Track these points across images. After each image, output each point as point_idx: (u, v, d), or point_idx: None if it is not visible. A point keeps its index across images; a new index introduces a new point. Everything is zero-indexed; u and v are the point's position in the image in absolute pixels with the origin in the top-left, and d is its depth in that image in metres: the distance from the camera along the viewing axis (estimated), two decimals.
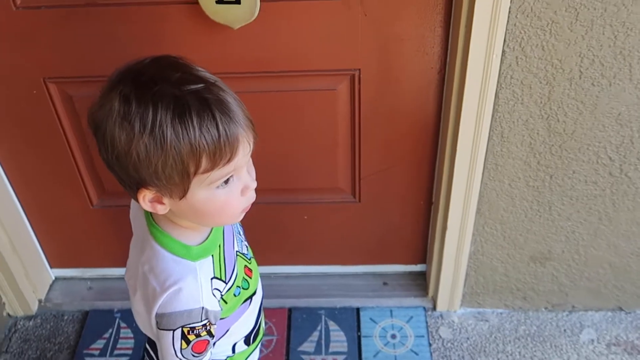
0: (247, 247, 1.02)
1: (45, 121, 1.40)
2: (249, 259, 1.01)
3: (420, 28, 1.24)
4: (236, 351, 1.04)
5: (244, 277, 0.95)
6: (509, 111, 1.26)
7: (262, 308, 1.10)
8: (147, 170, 0.74)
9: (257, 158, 1.47)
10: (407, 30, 1.24)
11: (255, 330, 1.07)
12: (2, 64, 1.31)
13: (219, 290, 0.88)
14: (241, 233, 1.03)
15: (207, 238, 0.88)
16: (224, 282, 0.89)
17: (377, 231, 1.63)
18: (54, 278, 1.79)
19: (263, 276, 1.72)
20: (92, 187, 1.55)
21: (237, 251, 0.96)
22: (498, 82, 1.21)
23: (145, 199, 0.79)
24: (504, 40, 1.15)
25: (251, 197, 0.84)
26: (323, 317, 1.65)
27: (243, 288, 0.95)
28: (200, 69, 0.78)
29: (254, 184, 0.84)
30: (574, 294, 1.60)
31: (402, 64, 1.29)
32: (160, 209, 0.80)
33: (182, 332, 0.83)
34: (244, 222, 1.60)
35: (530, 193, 1.40)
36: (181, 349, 0.84)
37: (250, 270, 0.99)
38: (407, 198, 1.55)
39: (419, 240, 1.66)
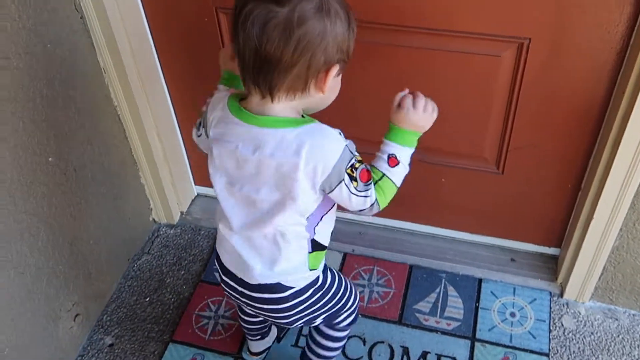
0: None
1: (210, 48, 1.47)
2: None
3: (607, 2, 1.13)
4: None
5: None
6: None
7: None
8: (346, 47, 0.92)
9: None
10: (591, 1, 1.14)
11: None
12: None
13: None
14: None
15: None
16: None
17: (515, 206, 1.58)
18: (196, 194, 1.92)
19: (389, 229, 1.76)
20: None
21: None
22: None
23: (333, 72, 0.91)
24: None
25: None
26: (443, 280, 1.64)
27: None
28: None
29: None
30: None
31: (579, 38, 1.20)
32: (326, 88, 0.93)
33: (349, 175, 0.96)
34: None
35: None
36: (356, 189, 0.97)
37: None
38: (554, 178, 1.48)
39: (556, 223, 1.58)
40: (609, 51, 1.20)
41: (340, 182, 0.95)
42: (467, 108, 1.40)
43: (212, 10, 1.40)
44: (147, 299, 1.66)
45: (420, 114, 1.03)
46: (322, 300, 1.15)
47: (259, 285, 1.09)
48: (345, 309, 1.24)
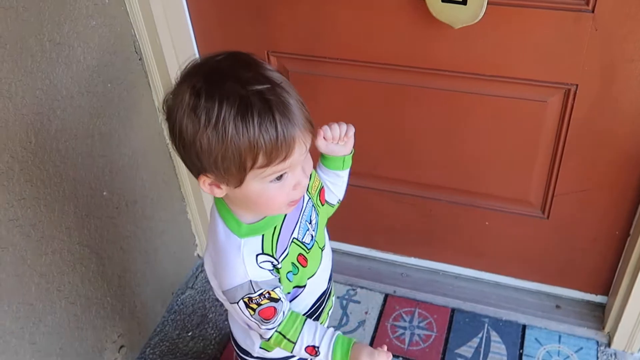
0: (312, 236, 1.02)
1: None
2: (309, 249, 1.01)
3: None
4: None
5: (293, 263, 0.97)
6: None
7: (327, 297, 1.12)
8: (207, 160, 0.80)
9: (452, 156, 1.48)
10: (637, 50, 1.15)
11: (313, 317, 1.09)
12: (237, 34, 1.44)
13: (270, 262, 0.93)
14: (312, 222, 1.02)
15: (261, 219, 0.92)
16: (275, 258, 0.93)
17: (561, 252, 1.56)
18: None
19: (431, 271, 1.75)
20: None
21: (294, 238, 0.97)
22: None
23: (205, 183, 0.85)
24: None
25: (300, 192, 0.88)
26: (486, 325, 1.62)
27: (293, 273, 0.98)
28: (270, 68, 0.82)
29: (306, 181, 0.88)
30: None
31: (627, 86, 1.20)
32: (218, 193, 0.87)
33: (244, 302, 0.91)
34: (428, 214, 1.61)
35: None
36: (250, 315, 0.93)
37: (305, 259, 1.00)
38: (601, 225, 1.46)
39: (604, 271, 1.55)
40: None
41: (233, 303, 0.92)
42: (513, 152, 1.41)
43: (264, 54, 1.45)
44: (190, 334, 1.68)
45: None
46: None
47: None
48: None
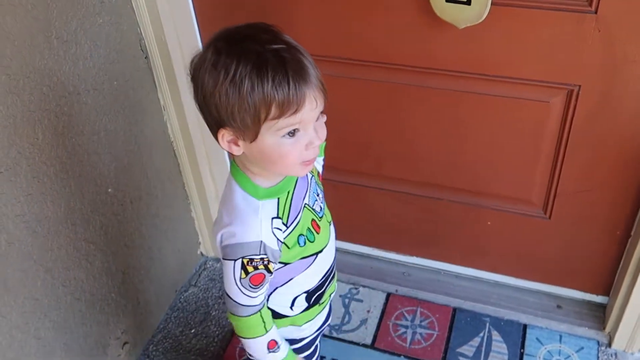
0: (321, 207, 1.07)
1: None
2: (320, 217, 1.06)
3: None
4: (295, 307, 1.11)
5: (309, 228, 1.02)
6: None
7: (332, 275, 1.15)
8: (225, 112, 0.85)
9: (454, 156, 1.48)
10: None
11: (320, 292, 1.12)
12: None
13: (280, 230, 0.97)
14: (319, 195, 1.08)
15: (276, 184, 0.97)
16: (285, 224, 0.98)
17: (562, 252, 1.56)
18: None
19: (433, 270, 1.76)
20: None
21: (305, 203, 1.02)
22: None
23: (224, 138, 0.90)
24: None
25: (313, 152, 0.91)
26: (487, 324, 1.63)
27: (309, 240, 1.02)
28: (286, 35, 0.88)
29: (318, 142, 0.91)
30: None
31: (629, 87, 1.21)
32: (236, 150, 0.91)
33: (242, 262, 0.95)
34: (430, 214, 1.61)
35: None
36: (240, 278, 0.96)
37: (318, 226, 1.05)
38: (603, 225, 1.47)
39: (605, 271, 1.56)
40: None
41: (229, 260, 0.96)
42: (515, 152, 1.41)
43: None
44: (193, 331, 1.69)
45: None
46: None
47: None
48: None
